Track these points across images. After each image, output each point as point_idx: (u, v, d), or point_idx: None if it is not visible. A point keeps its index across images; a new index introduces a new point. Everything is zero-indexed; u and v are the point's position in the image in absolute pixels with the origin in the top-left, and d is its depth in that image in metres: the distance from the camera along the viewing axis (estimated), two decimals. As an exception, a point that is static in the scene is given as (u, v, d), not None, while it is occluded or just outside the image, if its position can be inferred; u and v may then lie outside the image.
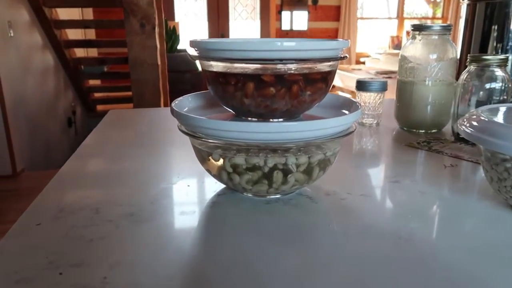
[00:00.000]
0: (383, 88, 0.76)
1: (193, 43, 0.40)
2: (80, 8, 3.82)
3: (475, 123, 0.41)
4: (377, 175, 0.53)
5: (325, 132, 0.39)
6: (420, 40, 0.70)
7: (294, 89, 0.39)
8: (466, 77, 0.66)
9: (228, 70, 0.40)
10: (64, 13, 3.14)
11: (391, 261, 0.33)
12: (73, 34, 3.40)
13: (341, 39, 0.41)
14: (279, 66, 0.39)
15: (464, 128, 0.41)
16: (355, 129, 0.43)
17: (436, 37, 0.69)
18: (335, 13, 5.13)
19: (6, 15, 2.41)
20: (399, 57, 0.74)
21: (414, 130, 0.74)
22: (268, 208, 0.42)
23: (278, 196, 0.45)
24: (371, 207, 0.43)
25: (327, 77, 0.42)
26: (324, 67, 0.41)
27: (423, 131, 0.73)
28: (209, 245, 0.36)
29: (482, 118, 0.41)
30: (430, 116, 0.72)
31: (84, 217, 0.40)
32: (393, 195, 0.47)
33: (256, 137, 0.37)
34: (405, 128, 0.75)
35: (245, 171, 0.41)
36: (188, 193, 0.46)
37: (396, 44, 5.68)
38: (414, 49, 0.71)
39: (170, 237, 0.37)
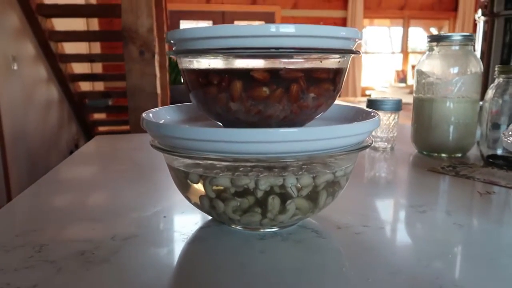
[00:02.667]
0: (398, 107, 0.67)
1: (169, 35, 0.32)
2: (87, 43, 3.86)
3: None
4: (399, 203, 0.44)
5: (334, 143, 0.30)
6: (438, 52, 0.62)
7: (293, 90, 0.31)
8: (495, 92, 0.57)
9: (210, 66, 0.32)
10: (71, 47, 3.16)
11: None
12: (79, 67, 3.41)
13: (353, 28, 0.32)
14: (274, 59, 0.30)
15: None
16: (371, 143, 0.34)
17: (457, 47, 0.61)
18: (340, 47, 5.15)
19: (11, 49, 2.40)
20: (415, 72, 0.66)
21: (435, 154, 0.64)
22: (262, 245, 0.33)
23: (275, 229, 0.35)
24: (395, 244, 0.34)
25: (335, 77, 0.33)
26: (331, 62, 0.32)
27: (445, 155, 0.64)
28: (178, 296, 0.26)
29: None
30: (453, 138, 0.62)
31: (20, 257, 0.31)
32: (422, 228, 0.37)
33: (243, 149, 0.28)
34: (424, 152, 0.66)
35: (232, 196, 0.32)
36: (163, 226, 0.37)
37: (402, 78, 5.66)
38: (432, 62, 0.63)
39: (130, 284, 0.28)
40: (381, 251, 0.32)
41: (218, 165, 0.32)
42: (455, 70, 0.61)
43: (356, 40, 0.33)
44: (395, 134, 0.69)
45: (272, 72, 0.30)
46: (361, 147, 0.32)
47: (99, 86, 4.14)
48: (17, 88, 2.52)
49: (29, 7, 2.44)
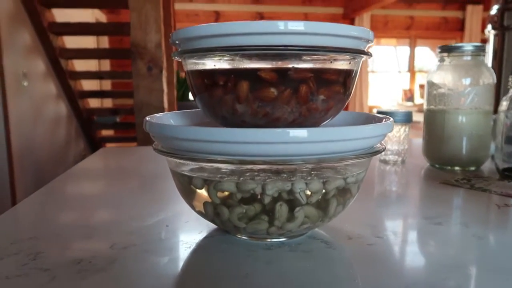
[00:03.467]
0: (408, 119, 0.66)
1: (174, 35, 0.31)
2: (97, 60, 3.92)
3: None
4: (412, 215, 0.42)
5: (345, 146, 0.28)
6: (450, 62, 0.61)
7: (302, 91, 0.29)
8: (510, 104, 0.55)
9: (215, 66, 0.30)
10: (81, 65, 3.20)
11: None
12: (89, 84, 3.45)
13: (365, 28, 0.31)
14: (282, 59, 0.29)
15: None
16: (384, 148, 0.32)
17: (469, 58, 0.60)
18: (347, 66, 5.16)
19: (21, 65, 2.44)
20: (426, 83, 0.64)
21: (448, 167, 0.62)
22: (268, 256, 0.31)
23: (282, 239, 0.33)
24: (410, 255, 0.31)
25: (346, 79, 0.32)
26: (341, 63, 0.31)
27: (458, 168, 0.62)
28: (178, 308, 0.25)
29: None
30: (466, 151, 0.60)
31: (13, 264, 0.29)
32: (438, 240, 0.35)
33: (249, 151, 0.27)
34: (436, 165, 0.64)
35: (238, 203, 0.30)
36: (165, 235, 0.35)
37: (409, 97, 5.65)
38: (444, 73, 0.61)
39: (126, 294, 0.26)
40: (396, 262, 0.30)
41: (223, 170, 0.31)
42: (467, 81, 0.59)
43: (368, 41, 0.32)
44: (406, 147, 0.67)
45: (280, 72, 0.29)
46: (373, 152, 0.31)
47: (108, 103, 4.19)
48: (27, 104, 2.55)
49: (41, 25, 2.49)
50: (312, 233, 0.35)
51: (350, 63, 0.32)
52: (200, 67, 0.31)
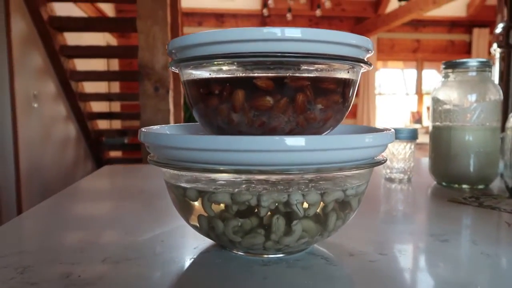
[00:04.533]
0: (413, 136, 0.65)
1: (170, 45, 0.31)
2: (107, 82, 3.98)
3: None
4: (417, 232, 0.40)
5: (345, 156, 0.27)
6: (454, 78, 0.60)
7: (299, 100, 0.29)
8: (517, 119, 0.54)
9: (211, 75, 0.30)
10: (90, 87, 3.25)
11: None
12: (98, 106, 3.49)
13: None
14: (279, 67, 0.29)
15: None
16: (385, 160, 0.31)
17: (474, 73, 0.59)
18: (354, 88, 5.18)
19: (32, 87, 2.48)
20: (431, 100, 0.63)
21: (455, 186, 0.60)
22: (264, 272, 0.29)
23: (280, 255, 0.32)
24: (415, 273, 0.30)
25: (345, 88, 0.31)
26: (340, 72, 0.31)
27: (466, 186, 0.60)
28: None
29: None
30: (474, 168, 0.59)
31: (0, 278, 0.28)
32: (445, 257, 0.33)
33: (243, 160, 0.26)
34: (443, 183, 0.62)
35: (234, 216, 0.29)
36: (159, 250, 0.34)
37: (417, 119, 5.63)
38: (448, 90, 0.61)
39: (113, 310, 0.25)
40: (399, 280, 0.29)
41: (218, 181, 0.30)
42: (472, 97, 0.58)
43: (368, 50, 0.32)
44: (411, 165, 0.66)
45: (276, 80, 0.29)
46: (374, 163, 0.29)
47: (117, 124, 4.23)
48: (36, 125, 2.58)
49: (52, 48, 2.54)
50: (312, 249, 0.34)
51: (348, 72, 0.31)
52: (195, 76, 0.31)
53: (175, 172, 0.31)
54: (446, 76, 0.61)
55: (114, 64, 4.20)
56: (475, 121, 0.58)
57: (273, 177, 0.29)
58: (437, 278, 0.29)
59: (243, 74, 0.29)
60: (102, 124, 3.70)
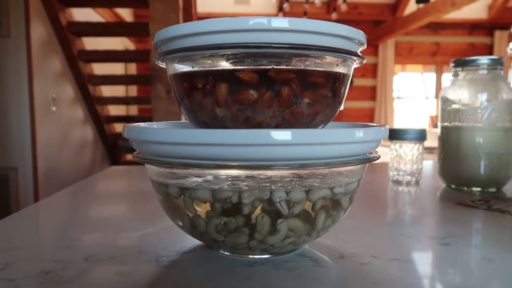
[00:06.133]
0: (421, 137, 0.62)
1: (154, 38, 0.30)
2: (125, 86, 4.03)
3: None
4: (417, 235, 0.38)
5: (331, 151, 0.26)
6: (464, 77, 0.58)
7: (284, 93, 0.28)
8: (530, 119, 0.51)
9: (194, 68, 0.29)
10: (108, 90, 3.30)
11: None
12: (116, 110, 3.55)
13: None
14: (266, 59, 0.27)
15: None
16: (377, 157, 0.30)
17: (485, 71, 0.56)
18: (371, 93, 5.11)
19: (51, 91, 2.53)
20: (440, 99, 0.61)
21: (465, 189, 0.58)
22: (248, 272, 0.28)
23: (266, 256, 0.31)
24: (409, 277, 0.28)
25: (335, 83, 0.30)
26: (329, 65, 0.29)
27: (477, 189, 0.57)
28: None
29: None
30: (485, 170, 0.56)
31: (-21, 273, 0.28)
32: (444, 261, 0.31)
33: (225, 154, 0.25)
34: (453, 186, 0.59)
35: (217, 214, 0.28)
36: (145, 249, 0.33)
37: (436, 123, 5.52)
38: (458, 89, 0.58)
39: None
40: (390, 284, 0.27)
41: (203, 178, 0.29)
42: (483, 96, 0.56)
43: (361, 43, 0.30)
44: (420, 167, 0.63)
45: (260, 73, 0.27)
46: (363, 159, 0.28)
47: (133, 128, 4.26)
48: (54, 128, 2.63)
49: (71, 52, 2.60)
50: (302, 251, 0.32)
51: (338, 65, 0.30)
52: (179, 69, 0.30)
53: (159, 169, 0.30)
54: (455, 75, 0.59)
55: (132, 68, 4.27)
56: (486, 121, 0.56)
57: (255, 173, 0.28)
58: (431, 283, 0.28)
59: (228, 67, 0.28)
60: (119, 128, 3.75)
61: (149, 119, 3.40)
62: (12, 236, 0.38)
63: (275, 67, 0.27)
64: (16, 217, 0.44)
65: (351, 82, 4.41)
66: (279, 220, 0.28)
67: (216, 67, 0.29)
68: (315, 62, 0.29)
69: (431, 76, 5.43)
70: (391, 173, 0.65)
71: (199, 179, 0.29)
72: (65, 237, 0.37)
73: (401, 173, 0.64)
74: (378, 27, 4.67)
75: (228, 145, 0.25)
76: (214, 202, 0.27)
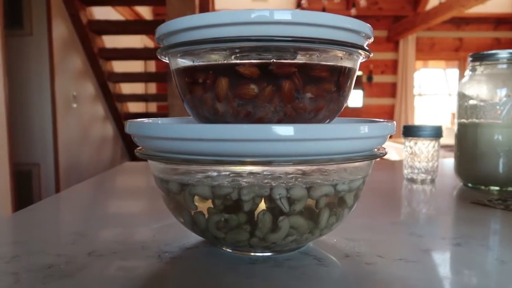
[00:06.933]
0: (437, 134, 0.61)
1: (156, 33, 0.30)
2: (144, 84, 4.08)
3: None
4: (428, 234, 0.37)
5: (334, 147, 0.25)
6: (482, 72, 0.56)
7: (285, 87, 0.27)
8: (552, 115, 0.49)
9: (195, 63, 0.29)
10: (127, 88, 3.35)
11: None
12: (135, 107, 3.60)
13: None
14: (269, 53, 0.27)
15: None
16: (384, 154, 0.29)
17: (504, 66, 0.54)
18: (391, 89, 5.03)
19: (72, 88, 2.59)
20: (457, 95, 0.59)
21: (482, 187, 0.56)
22: (249, 270, 0.28)
23: (268, 254, 0.30)
24: (413, 278, 0.27)
25: (340, 77, 0.29)
26: (334, 58, 0.28)
27: (495, 188, 0.55)
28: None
29: None
30: (504, 168, 0.54)
31: (-16, 265, 0.28)
32: (453, 262, 0.30)
33: (226, 150, 0.25)
34: (469, 185, 0.58)
35: (218, 211, 0.28)
36: (148, 245, 0.33)
37: (460, 121, 5.38)
38: (476, 84, 0.56)
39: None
40: (393, 286, 0.26)
41: (206, 174, 0.29)
42: (502, 91, 0.54)
43: (367, 36, 0.29)
44: (435, 165, 0.61)
45: (261, 67, 0.27)
46: (367, 156, 0.27)
47: (152, 125, 4.32)
48: (75, 125, 2.69)
49: (91, 51, 2.64)
50: (306, 249, 0.32)
51: (342, 58, 0.29)
52: (180, 64, 0.30)
53: (160, 165, 0.30)
54: (473, 70, 0.57)
55: (152, 66, 4.31)
56: (505, 117, 0.54)
57: (256, 169, 0.27)
58: (436, 284, 0.27)
59: (226, 61, 0.28)
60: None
61: (166, 116, 3.44)
62: (22, 230, 0.38)
63: (275, 60, 0.27)
64: (28, 212, 0.44)
65: (370, 78, 4.35)
66: (280, 218, 0.27)
67: (212, 57, 0.28)
68: (319, 56, 0.28)
69: (454, 72, 5.30)
70: (405, 171, 0.63)
71: (200, 175, 0.29)
72: (72, 231, 0.37)
73: (416, 171, 0.62)
74: (398, 22, 4.58)
75: (229, 141, 0.25)
76: (214, 198, 0.27)
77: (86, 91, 2.83)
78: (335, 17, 0.27)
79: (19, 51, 2.23)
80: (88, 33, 2.55)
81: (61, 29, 2.38)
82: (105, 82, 2.93)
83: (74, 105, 2.64)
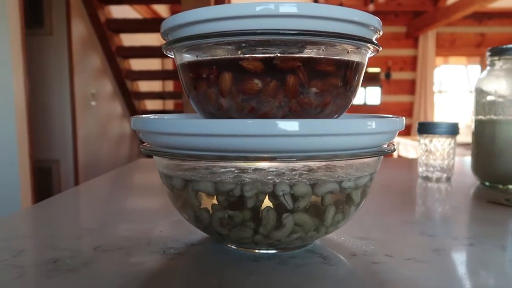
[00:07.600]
0: (453, 131, 0.59)
1: (162, 27, 0.30)
2: (162, 82, 4.11)
3: None
4: (440, 234, 0.36)
5: (341, 143, 0.25)
6: (501, 67, 0.54)
7: (289, 82, 0.26)
8: None
9: (198, 58, 0.29)
10: (145, 86, 3.38)
11: None
12: (152, 104, 3.63)
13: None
14: (274, 46, 0.26)
15: None
16: (392, 150, 0.28)
17: (524, 60, 0.52)
18: (410, 86, 4.94)
19: (91, 86, 2.63)
20: (474, 91, 0.57)
21: (500, 186, 0.54)
22: (253, 267, 0.27)
23: (273, 251, 0.30)
24: (421, 278, 0.26)
25: (346, 71, 0.28)
26: (341, 52, 0.28)
27: (514, 187, 0.53)
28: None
29: None
30: (523, 167, 0.52)
31: (-8, 258, 0.29)
32: (464, 263, 0.29)
33: (222, 145, 0.24)
34: (487, 184, 0.56)
35: (224, 208, 0.27)
36: (154, 240, 0.33)
37: (481, 118, 5.25)
38: (494, 80, 0.54)
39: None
40: (399, 286, 0.25)
41: (211, 170, 0.28)
42: (523, 87, 0.52)
43: (376, 30, 0.28)
44: (451, 163, 0.60)
45: (265, 62, 0.26)
46: (374, 152, 0.26)
47: (169, 122, 4.35)
48: (94, 122, 2.73)
49: (109, 49, 2.68)
50: (312, 247, 0.31)
51: (349, 52, 0.28)
52: (184, 59, 0.30)
53: (164, 161, 0.30)
54: (492, 65, 0.55)
55: (169, 63, 4.35)
56: (525, 114, 0.52)
57: (261, 165, 0.27)
58: (443, 285, 0.26)
59: (229, 55, 0.27)
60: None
61: (182, 113, 3.46)
62: (32, 224, 0.39)
63: (279, 55, 0.26)
64: (38, 207, 0.45)
65: (388, 75, 4.27)
66: (285, 215, 0.27)
67: (216, 52, 0.28)
68: (326, 50, 0.27)
69: (476, 69, 5.17)
70: (420, 169, 0.62)
71: (204, 171, 0.28)
72: (79, 227, 0.37)
73: (431, 169, 0.60)
74: (418, 18, 4.49)
75: (233, 136, 0.24)
76: (218, 194, 0.27)
77: (104, 89, 2.87)
78: (342, 9, 0.27)
79: (39, 50, 2.28)
80: (106, 32, 2.59)
81: (80, 28, 2.42)
82: (123, 80, 2.97)
83: (93, 103, 2.68)
